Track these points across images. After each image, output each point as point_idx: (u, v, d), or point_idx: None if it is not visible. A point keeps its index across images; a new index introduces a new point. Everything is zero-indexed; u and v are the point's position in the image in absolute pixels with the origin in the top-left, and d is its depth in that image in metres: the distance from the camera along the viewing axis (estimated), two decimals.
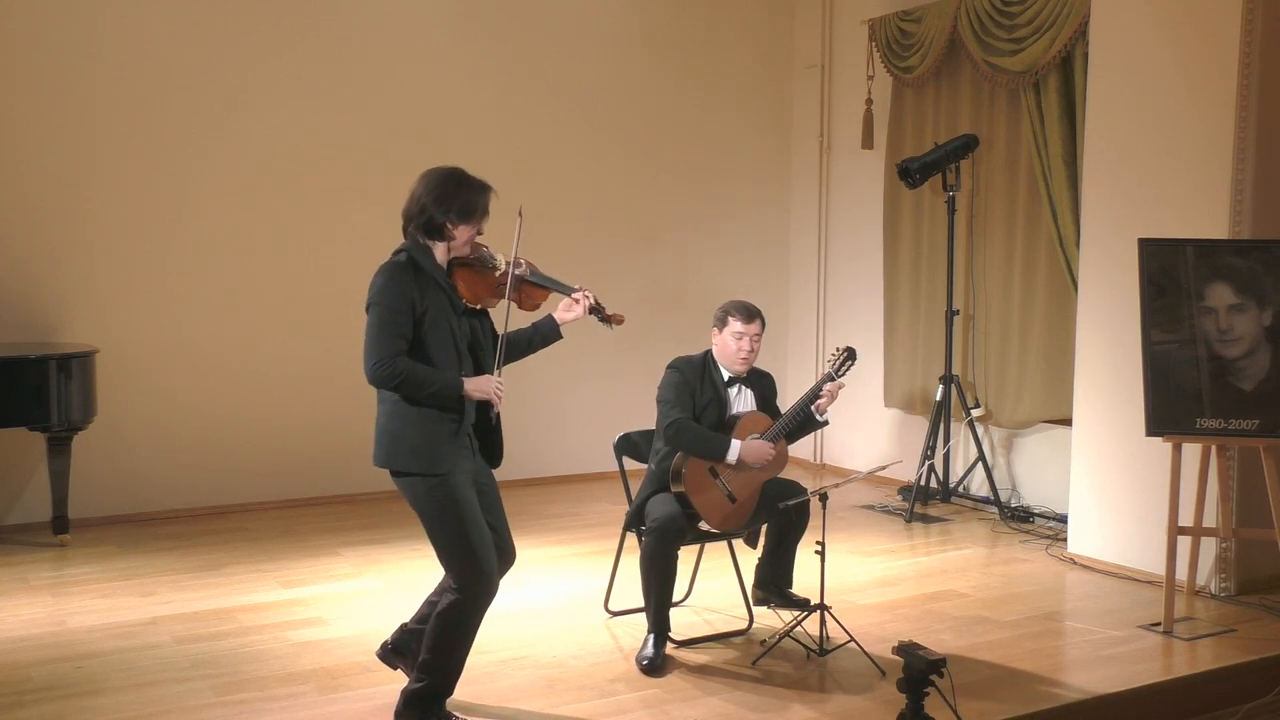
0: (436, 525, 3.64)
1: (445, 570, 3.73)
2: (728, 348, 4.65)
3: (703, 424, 4.58)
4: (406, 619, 4.02)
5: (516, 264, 3.78)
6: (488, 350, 3.77)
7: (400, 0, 7.09)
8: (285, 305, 6.86)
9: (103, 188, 6.41)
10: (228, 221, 6.70)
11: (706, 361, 4.69)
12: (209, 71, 6.60)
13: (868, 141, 7.65)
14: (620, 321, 4.01)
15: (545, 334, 3.93)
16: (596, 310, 3.93)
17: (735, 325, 4.62)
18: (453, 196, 3.62)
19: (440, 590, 3.87)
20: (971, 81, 7.00)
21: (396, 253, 3.67)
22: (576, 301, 3.87)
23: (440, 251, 3.67)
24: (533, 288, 3.83)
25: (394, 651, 4.00)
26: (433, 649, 3.70)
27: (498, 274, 3.76)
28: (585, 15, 7.66)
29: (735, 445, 4.50)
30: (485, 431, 3.78)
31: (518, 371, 7.43)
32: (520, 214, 3.72)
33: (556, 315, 3.90)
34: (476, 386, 3.63)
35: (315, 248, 6.92)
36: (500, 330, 3.80)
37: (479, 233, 3.72)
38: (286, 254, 6.85)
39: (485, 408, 3.74)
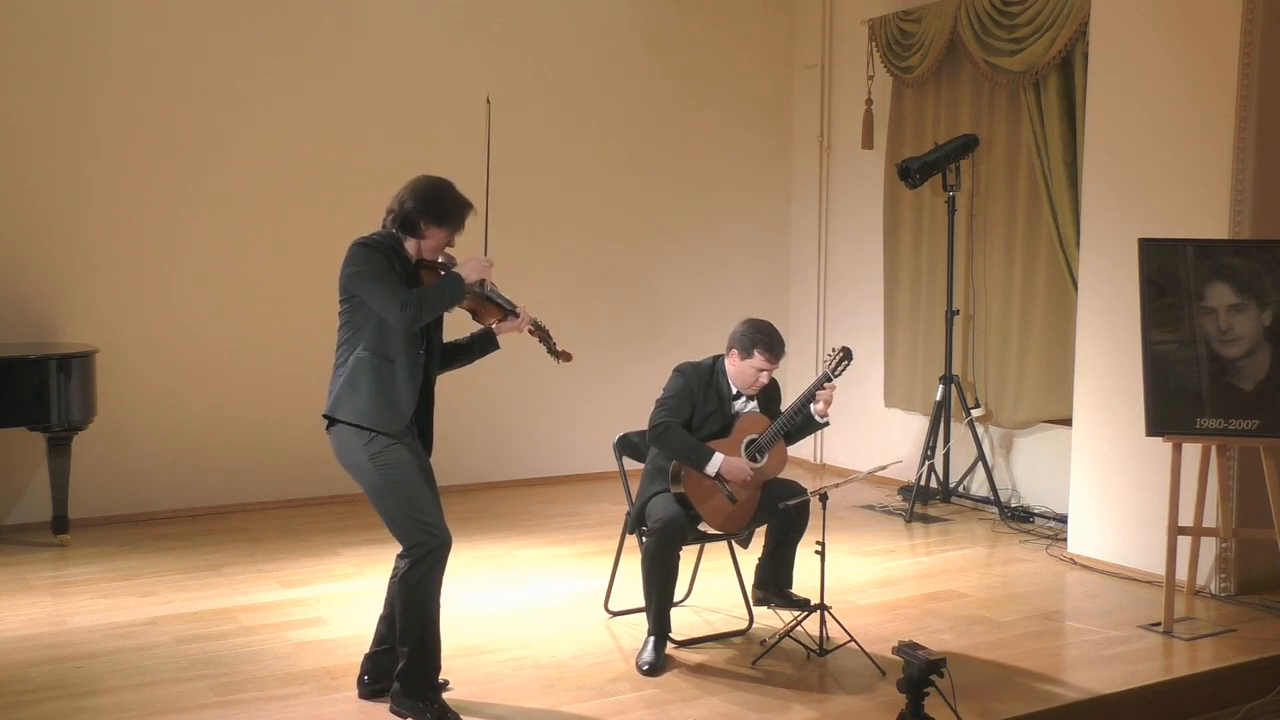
0: (384, 492, 3.77)
1: (393, 533, 3.83)
2: (745, 375, 4.59)
3: (704, 432, 4.57)
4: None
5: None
6: (436, 352, 3.95)
7: (399, 3, 7.09)
8: (286, 305, 6.86)
9: (103, 188, 6.41)
10: (228, 222, 6.70)
11: (715, 371, 4.66)
12: (210, 72, 6.60)
13: (868, 141, 7.65)
14: (568, 359, 4.11)
15: (484, 344, 4.10)
16: (545, 339, 4.07)
17: (760, 360, 4.57)
18: (436, 201, 3.82)
19: (392, 600, 3.95)
20: (971, 81, 7.00)
21: (371, 234, 3.84)
22: (518, 317, 4.00)
23: (410, 247, 3.85)
24: (489, 304, 3.97)
25: (374, 681, 4.03)
26: (404, 616, 3.79)
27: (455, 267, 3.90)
28: (585, 17, 7.66)
29: (717, 459, 4.47)
30: (421, 420, 3.94)
31: (518, 372, 7.43)
32: (488, 101, 3.91)
33: (496, 327, 4.03)
34: (471, 269, 3.84)
35: (315, 248, 6.91)
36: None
37: (449, 244, 3.89)
38: (287, 254, 6.85)
39: (425, 400, 3.91)
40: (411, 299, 3.70)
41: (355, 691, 4.05)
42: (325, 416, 3.86)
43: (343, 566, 5.67)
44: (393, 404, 3.79)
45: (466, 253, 3.98)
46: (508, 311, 3.99)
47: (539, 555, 5.93)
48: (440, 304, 3.79)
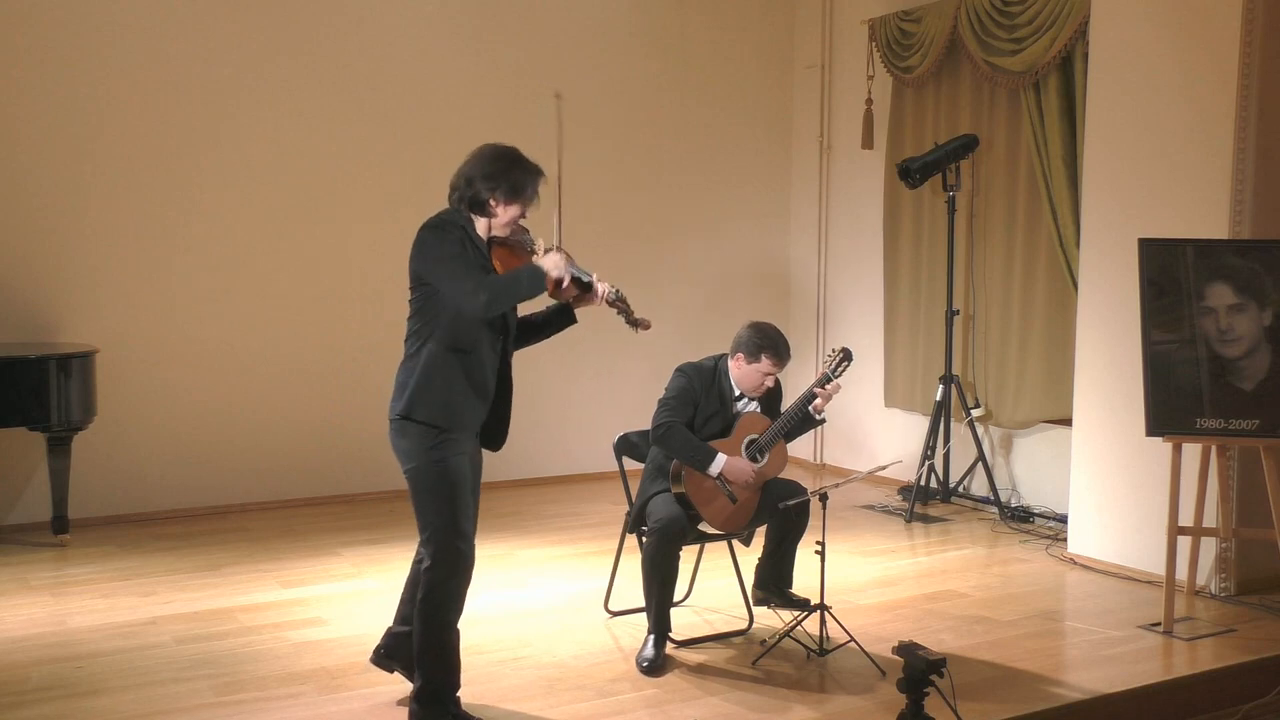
0: (430, 497, 3.64)
1: (421, 534, 3.72)
2: (750, 379, 4.59)
3: (705, 433, 4.57)
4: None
5: (542, 244, 3.72)
6: (511, 332, 3.78)
7: (400, 5, 7.09)
8: (286, 305, 6.86)
9: (103, 187, 6.41)
10: (228, 222, 6.70)
11: (717, 372, 4.66)
12: (211, 71, 6.60)
13: (868, 141, 7.65)
14: (647, 327, 3.88)
15: (560, 320, 3.92)
16: (623, 309, 3.84)
17: (767, 365, 4.56)
18: (503, 174, 3.60)
19: (413, 582, 3.90)
20: (971, 81, 7.00)
21: (438, 215, 3.64)
22: (598, 292, 3.77)
23: (481, 226, 3.65)
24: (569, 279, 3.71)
25: (386, 655, 4.01)
26: (421, 638, 3.70)
27: (535, 258, 3.69)
28: (585, 17, 7.66)
29: (720, 460, 4.46)
30: (497, 417, 3.79)
31: (517, 372, 7.44)
32: (558, 97, 3.63)
33: (574, 302, 3.80)
34: (553, 264, 3.58)
35: (316, 248, 6.92)
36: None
37: (523, 215, 3.69)
38: (287, 254, 6.85)
39: (503, 387, 3.75)
40: (485, 285, 3.46)
41: (355, 691, 4.06)
42: (399, 417, 3.61)
43: (343, 566, 5.67)
44: (472, 398, 3.63)
45: (539, 227, 3.78)
46: (586, 285, 3.71)
47: (539, 555, 5.93)
48: (517, 295, 3.55)
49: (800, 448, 7.95)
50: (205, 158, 6.63)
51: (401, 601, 4.01)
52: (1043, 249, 6.63)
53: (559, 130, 3.63)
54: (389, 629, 4.03)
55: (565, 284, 3.63)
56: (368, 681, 4.14)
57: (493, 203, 3.61)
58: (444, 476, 3.63)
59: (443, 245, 3.55)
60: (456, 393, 3.61)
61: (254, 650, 4.50)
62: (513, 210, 3.63)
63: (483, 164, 3.61)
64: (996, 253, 6.94)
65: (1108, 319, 5.70)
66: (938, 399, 6.93)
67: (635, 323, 3.88)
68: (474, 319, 3.56)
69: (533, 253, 3.70)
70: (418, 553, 3.94)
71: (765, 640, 4.59)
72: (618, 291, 3.81)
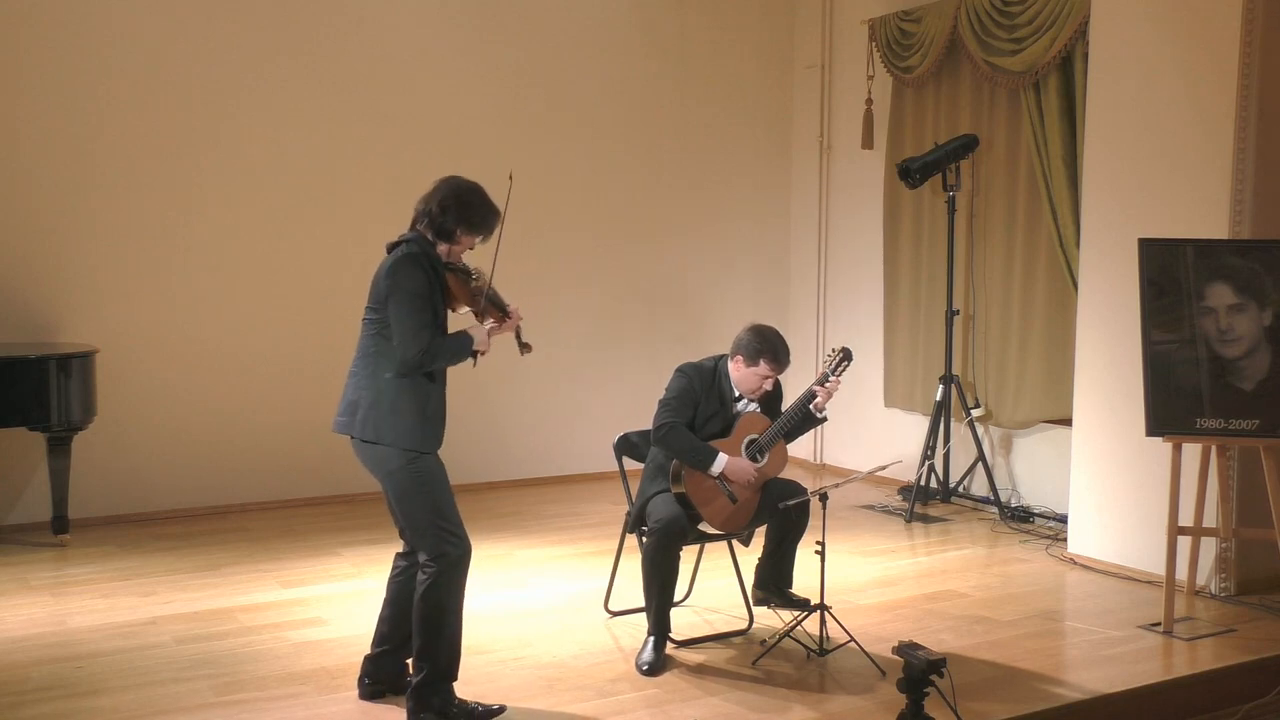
0: (414, 498, 3.76)
1: (416, 543, 3.83)
2: (749, 381, 4.59)
3: (705, 433, 4.57)
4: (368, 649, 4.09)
5: (482, 276, 3.96)
6: None
7: (400, 5, 7.09)
8: (286, 305, 6.86)
9: (103, 187, 6.41)
10: (228, 222, 6.70)
11: (717, 373, 4.66)
12: (210, 72, 6.60)
13: (868, 141, 7.65)
14: (529, 350, 4.05)
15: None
16: (518, 332, 4.05)
17: (765, 369, 4.57)
18: (474, 208, 3.83)
19: (391, 601, 3.96)
20: (971, 81, 7.00)
21: (405, 242, 3.83)
22: (511, 318, 3.97)
23: (441, 251, 3.85)
24: (491, 305, 3.96)
25: (375, 682, 4.03)
26: (424, 632, 3.76)
27: (474, 284, 3.92)
28: (585, 17, 7.66)
29: (721, 459, 4.47)
30: None
31: (519, 372, 7.44)
32: (510, 179, 3.91)
33: (493, 328, 3.98)
34: (480, 339, 3.85)
35: (316, 248, 6.92)
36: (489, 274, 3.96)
37: (472, 247, 3.92)
38: (287, 254, 6.85)
39: None
40: (431, 353, 3.71)
41: (355, 691, 4.05)
42: (368, 441, 3.78)
43: (343, 566, 5.67)
44: (437, 421, 3.82)
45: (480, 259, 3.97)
46: (504, 314, 3.97)
47: (539, 555, 5.93)
48: (447, 362, 3.81)
49: (800, 448, 7.95)
50: (205, 158, 6.63)
51: (380, 620, 4.03)
52: (1043, 249, 6.63)
53: (505, 204, 3.91)
54: (368, 656, 4.05)
55: (489, 287, 3.92)
56: None
57: (458, 231, 3.82)
58: (422, 476, 3.76)
59: (415, 280, 3.74)
60: (424, 417, 3.78)
61: (254, 650, 4.50)
62: (470, 241, 3.88)
63: (456, 195, 3.83)
64: (996, 253, 6.94)
65: (1108, 319, 5.71)
66: (938, 399, 6.93)
67: (521, 344, 4.05)
68: (404, 360, 3.72)
69: (473, 279, 3.92)
70: (395, 565, 4.01)
71: (765, 640, 4.59)
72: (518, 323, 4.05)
